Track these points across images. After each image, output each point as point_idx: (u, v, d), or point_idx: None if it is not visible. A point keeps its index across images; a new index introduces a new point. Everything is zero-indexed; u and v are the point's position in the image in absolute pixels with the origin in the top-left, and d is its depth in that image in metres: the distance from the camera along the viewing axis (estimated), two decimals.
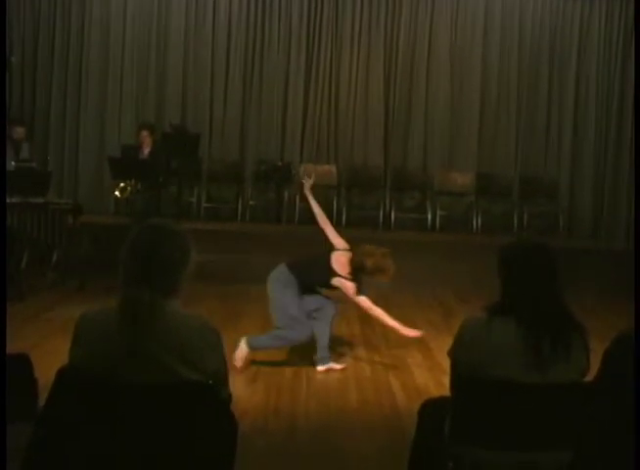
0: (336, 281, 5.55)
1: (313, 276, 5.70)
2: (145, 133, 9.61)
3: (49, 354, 4.81)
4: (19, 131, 9.71)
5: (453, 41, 11.26)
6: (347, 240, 5.81)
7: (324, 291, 5.82)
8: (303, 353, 6.07)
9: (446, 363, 3.12)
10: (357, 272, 5.52)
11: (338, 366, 5.74)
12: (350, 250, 5.64)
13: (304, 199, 6.18)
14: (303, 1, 11.16)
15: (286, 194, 10.91)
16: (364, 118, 11.26)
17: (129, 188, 8.98)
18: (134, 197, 9.10)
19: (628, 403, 2.56)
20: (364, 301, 5.57)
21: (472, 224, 10.80)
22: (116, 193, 9.14)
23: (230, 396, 2.73)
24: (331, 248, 5.69)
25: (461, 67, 11.27)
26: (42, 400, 2.57)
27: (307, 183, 6.10)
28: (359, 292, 5.55)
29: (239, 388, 4.68)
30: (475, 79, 11.24)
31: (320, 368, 5.66)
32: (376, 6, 11.18)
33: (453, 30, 11.26)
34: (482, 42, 11.24)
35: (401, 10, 11.21)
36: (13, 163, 9.02)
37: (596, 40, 11.20)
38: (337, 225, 10.43)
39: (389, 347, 6.39)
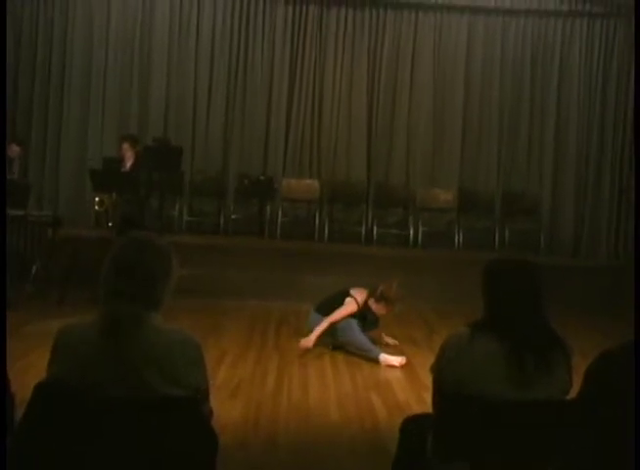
0: (347, 299, 6.70)
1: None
2: (126, 146, 9.56)
3: (27, 369, 4.76)
4: (14, 150, 9.60)
5: (436, 58, 11.32)
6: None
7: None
8: (284, 368, 6.07)
9: (428, 380, 3.11)
10: (367, 308, 6.72)
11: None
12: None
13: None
14: (287, 16, 11.19)
15: (268, 208, 10.90)
16: (347, 134, 11.28)
17: (105, 201, 8.94)
18: (114, 210, 9.05)
19: (610, 421, 2.55)
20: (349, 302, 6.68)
21: (454, 240, 10.82)
22: (95, 206, 9.12)
23: (211, 411, 2.71)
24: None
25: (444, 83, 11.33)
26: (19, 416, 2.53)
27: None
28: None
29: (219, 403, 4.64)
30: (457, 96, 11.30)
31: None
32: (360, 22, 11.23)
33: (436, 48, 11.32)
34: (465, 59, 11.31)
35: (385, 27, 11.27)
36: None
37: (577, 59, 11.28)
38: (318, 240, 10.62)
39: (371, 363, 6.39)
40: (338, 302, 6.73)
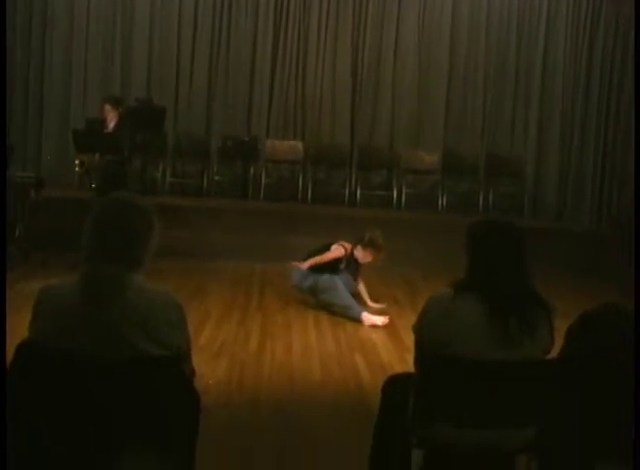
0: (334, 246, 6.79)
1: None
2: (108, 107, 9.42)
3: (10, 330, 4.75)
4: None
5: (421, 19, 11.21)
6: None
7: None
8: (268, 328, 6.09)
9: (410, 341, 3.12)
10: (353, 258, 6.80)
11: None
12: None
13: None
14: None
15: (252, 170, 10.86)
16: (331, 95, 11.21)
17: (85, 163, 8.86)
18: (95, 171, 8.96)
19: (591, 380, 2.58)
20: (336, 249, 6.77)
21: (437, 203, 10.82)
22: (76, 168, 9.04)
23: (193, 371, 2.71)
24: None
25: (429, 45, 11.24)
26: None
27: None
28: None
29: (202, 363, 4.66)
30: (442, 58, 11.23)
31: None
32: None
33: (422, 9, 11.20)
34: (451, 20, 11.21)
35: None
36: None
37: (564, 21, 11.20)
38: (302, 202, 10.59)
39: (355, 324, 6.42)
40: (322, 253, 6.80)
